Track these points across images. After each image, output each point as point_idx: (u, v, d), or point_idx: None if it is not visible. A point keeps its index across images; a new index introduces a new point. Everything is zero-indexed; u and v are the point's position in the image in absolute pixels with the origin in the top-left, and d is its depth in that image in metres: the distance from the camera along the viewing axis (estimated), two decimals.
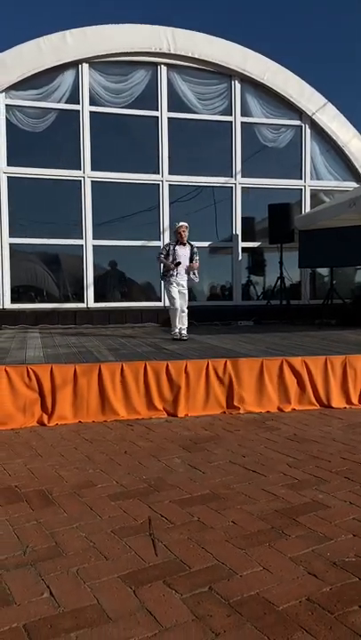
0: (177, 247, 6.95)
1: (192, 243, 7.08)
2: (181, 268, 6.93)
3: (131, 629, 1.86)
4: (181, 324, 7.08)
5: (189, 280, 7.05)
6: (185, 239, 6.97)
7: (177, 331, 7.05)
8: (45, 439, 4.24)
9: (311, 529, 2.61)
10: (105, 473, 3.45)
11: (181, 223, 7.04)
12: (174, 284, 6.94)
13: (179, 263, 6.88)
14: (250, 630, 1.85)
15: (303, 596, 2.05)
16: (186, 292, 7.08)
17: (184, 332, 7.07)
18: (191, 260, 6.97)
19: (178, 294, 6.96)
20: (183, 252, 6.95)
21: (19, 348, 6.18)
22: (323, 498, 3.00)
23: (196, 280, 7.12)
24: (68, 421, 4.71)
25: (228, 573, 2.21)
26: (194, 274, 7.01)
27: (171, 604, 2.00)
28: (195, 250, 7.01)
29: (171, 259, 6.92)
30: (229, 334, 7.90)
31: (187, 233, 6.98)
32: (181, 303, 6.99)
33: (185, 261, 6.94)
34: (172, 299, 7.01)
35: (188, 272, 6.98)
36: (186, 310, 7.10)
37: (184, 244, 6.98)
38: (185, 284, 7.02)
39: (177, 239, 7.02)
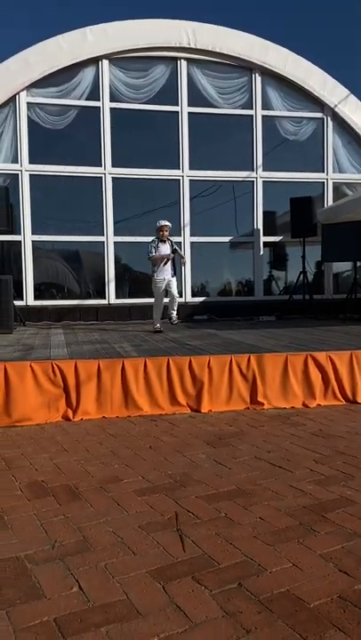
0: (159, 244, 7.43)
1: (170, 239, 7.54)
2: (166, 264, 7.43)
3: (161, 625, 1.86)
4: (172, 309, 7.63)
5: (174, 268, 7.50)
6: (165, 237, 7.45)
7: (158, 325, 7.51)
8: (70, 434, 4.26)
9: (340, 525, 2.57)
10: (130, 468, 3.45)
11: (165, 223, 7.45)
12: (159, 280, 7.41)
13: (169, 256, 7.35)
14: (281, 627, 1.83)
15: (335, 593, 2.02)
16: (173, 281, 7.47)
17: (174, 315, 7.62)
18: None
19: (162, 290, 7.44)
20: (165, 249, 7.41)
21: (43, 344, 6.22)
22: (351, 494, 2.96)
23: (183, 260, 7.89)
24: (93, 417, 4.73)
25: (257, 570, 2.20)
26: (181, 257, 7.62)
27: (200, 600, 1.99)
28: (175, 247, 7.50)
29: (157, 255, 7.40)
30: (251, 330, 7.84)
31: (167, 233, 7.44)
32: (173, 293, 7.47)
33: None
34: (156, 295, 7.52)
35: (170, 262, 7.41)
36: (176, 297, 7.60)
37: (164, 242, 7.45)
38: (170, 274, 7.43)
39: (159, 237, 7.44)
